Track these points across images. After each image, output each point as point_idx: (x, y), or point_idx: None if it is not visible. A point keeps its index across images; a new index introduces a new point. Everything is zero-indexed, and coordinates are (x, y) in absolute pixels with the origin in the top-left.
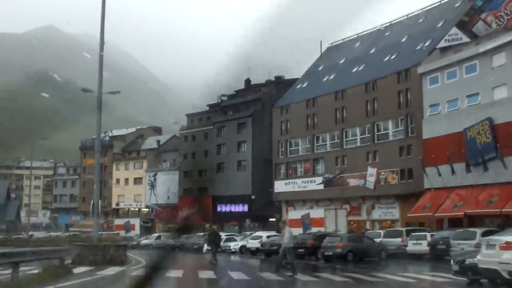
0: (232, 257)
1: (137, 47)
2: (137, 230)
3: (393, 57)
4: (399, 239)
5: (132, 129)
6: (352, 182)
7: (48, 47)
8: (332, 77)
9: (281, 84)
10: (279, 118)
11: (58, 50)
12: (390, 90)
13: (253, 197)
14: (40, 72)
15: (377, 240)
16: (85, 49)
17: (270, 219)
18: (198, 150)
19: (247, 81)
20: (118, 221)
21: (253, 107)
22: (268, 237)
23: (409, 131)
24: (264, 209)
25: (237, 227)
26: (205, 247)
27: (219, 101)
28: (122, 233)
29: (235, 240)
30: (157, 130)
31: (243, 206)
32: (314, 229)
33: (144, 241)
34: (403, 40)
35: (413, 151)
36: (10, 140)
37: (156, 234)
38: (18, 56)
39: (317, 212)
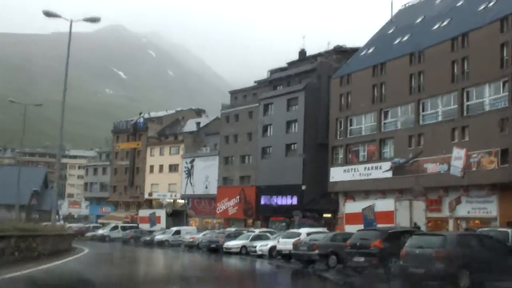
0: (255, 264)
1: (202, 45)
2: (163, 223)
3: (491, 3)
4: None
5: (172, 111)
6: (431, 168)
7: (115, 46)
8: (406, 38)
9: (341, 54)
10: (338, 91)
11: (124, 48)
12: (488, 43)
13: (304, 187)
14: (106, 70)
15: None
16: (150, 47)
17: (325, 214)
18: (241, 132)
19: (302, 52)
20: (143, 213)
21: (307, 79)
22: (308, 234)
23: None
24: (317, 202)
25: (284, 224)
26: None
27: (269, 75)
28: (147, 226)
29: (267, 239)
30: (200, 113)
31: (291, 198)
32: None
33: (159, 236)
34: None
35: None
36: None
37: (175, 228)
38: (87, 54)
39: (384, 204)
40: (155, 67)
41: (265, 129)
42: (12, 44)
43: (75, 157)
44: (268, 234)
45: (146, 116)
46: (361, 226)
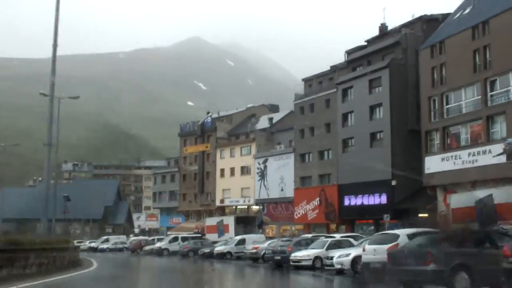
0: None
1: (278, 51)
2: (231, 232)
3: None
4: None
5: (242, 108)
6: None
7: (194, 57)
8: None
9: (429, 23)
10: (429, 64)
11: (203, 59)
12: None
13: (394, 182)
14: (186, 82)
15: None
16: (229, 57)
17: (420, 215)
18: (317, 123)
19: (382, 27)
20: (210, 221)
21: (390, 55)
22: (411, 236)
23: None
24: (411, 199)
25: (372, 227)
26: None
27: (346, 57)
28: (215, 236)
29: (350, 246)
30: (273, 109)
31: (380, 196)
32: None
33: (219, 248)
34: None
35: None
36: (138, 146)
37: (238, 237)
38: (168, 68)
39: (505, 194)
40: (234, 77)
41: (345, 117)
42: (99, 64)
43: (149, 168)
44: (351, 240)
45: (215, 115)
46: (475, 224)
